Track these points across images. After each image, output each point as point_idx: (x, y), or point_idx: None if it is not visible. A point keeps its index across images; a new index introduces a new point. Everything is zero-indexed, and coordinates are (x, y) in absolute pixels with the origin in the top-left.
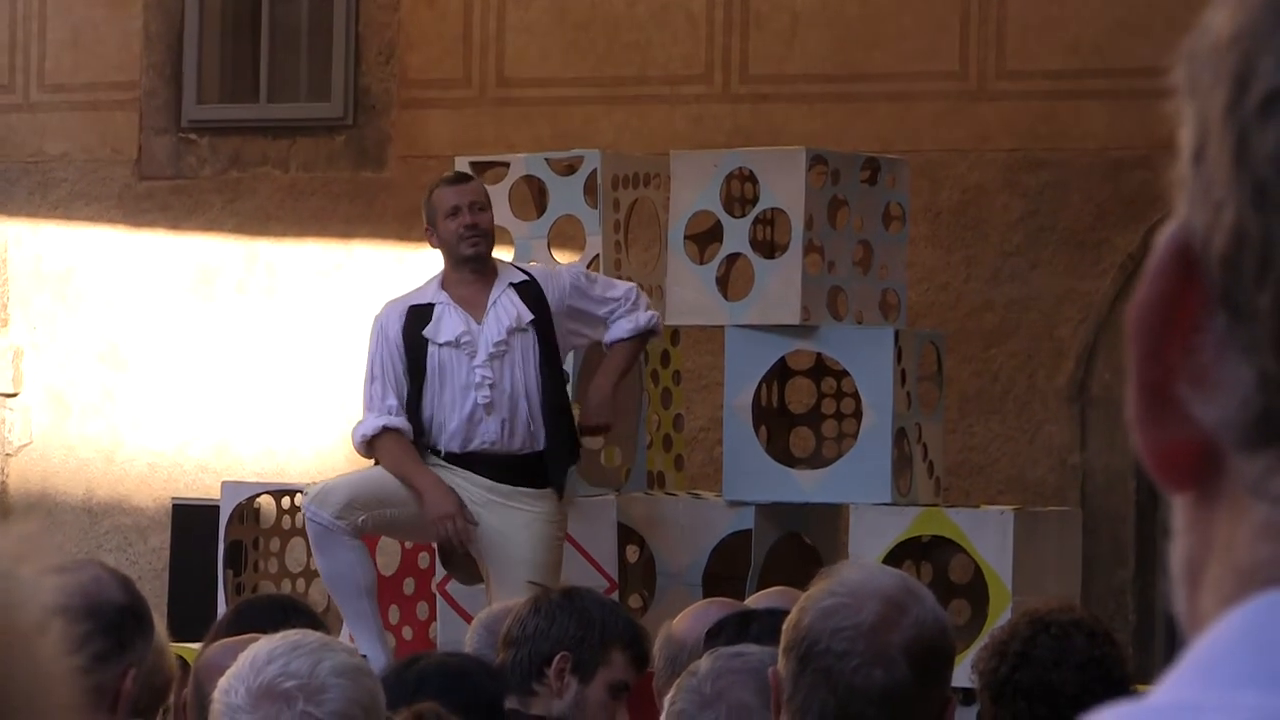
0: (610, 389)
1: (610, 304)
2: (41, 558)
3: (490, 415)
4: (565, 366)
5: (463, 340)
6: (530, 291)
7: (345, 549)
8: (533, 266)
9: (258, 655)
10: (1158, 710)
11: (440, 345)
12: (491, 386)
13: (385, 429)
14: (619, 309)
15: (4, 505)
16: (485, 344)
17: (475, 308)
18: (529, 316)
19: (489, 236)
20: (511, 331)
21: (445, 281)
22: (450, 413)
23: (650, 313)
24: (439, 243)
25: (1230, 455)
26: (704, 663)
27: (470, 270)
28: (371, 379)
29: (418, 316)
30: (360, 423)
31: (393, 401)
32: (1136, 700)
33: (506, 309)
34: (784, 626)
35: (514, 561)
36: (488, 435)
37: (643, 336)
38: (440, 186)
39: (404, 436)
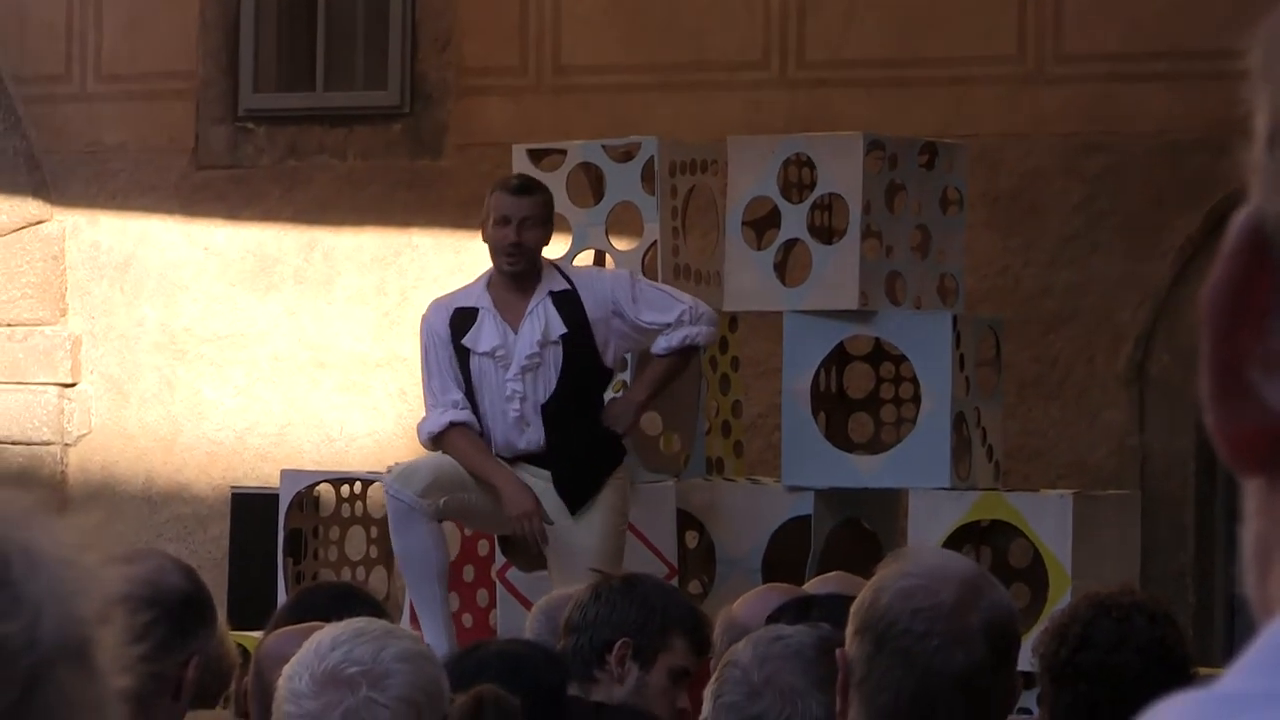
0: (641, 399)
1: (654, 323)
2: (104, 547)
3: (527, 427)
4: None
5: (498, 352)
6: (568, 301)
7: (423, 531)
8: (579, 270)
9: (322, 642)
10: (1227, 698)
11: (480, 354)
12: (522, 400)
13: (452, 424)
14: (666, 327)
15: (64, 495)
16: (519, 357)
17: (514, 315)
18: (560, 330)
19: (532, 255)
20: (543, 345)
21: (491, 282)
22: (494, 421)
23: (689, 330)
24: (486, 240)
25: None
26: (744, 651)
27: (511, 279)
28: (429, 376)
29: (462, 320)
30: (424, 420)
31: (456, 395)
32: (1205, 688)
33: (540, 321)
34: (855, 609)
35: (577, 550)
36: (531, 443)
37: (679, 353)
38: (500, 190)
39: (471, 431)
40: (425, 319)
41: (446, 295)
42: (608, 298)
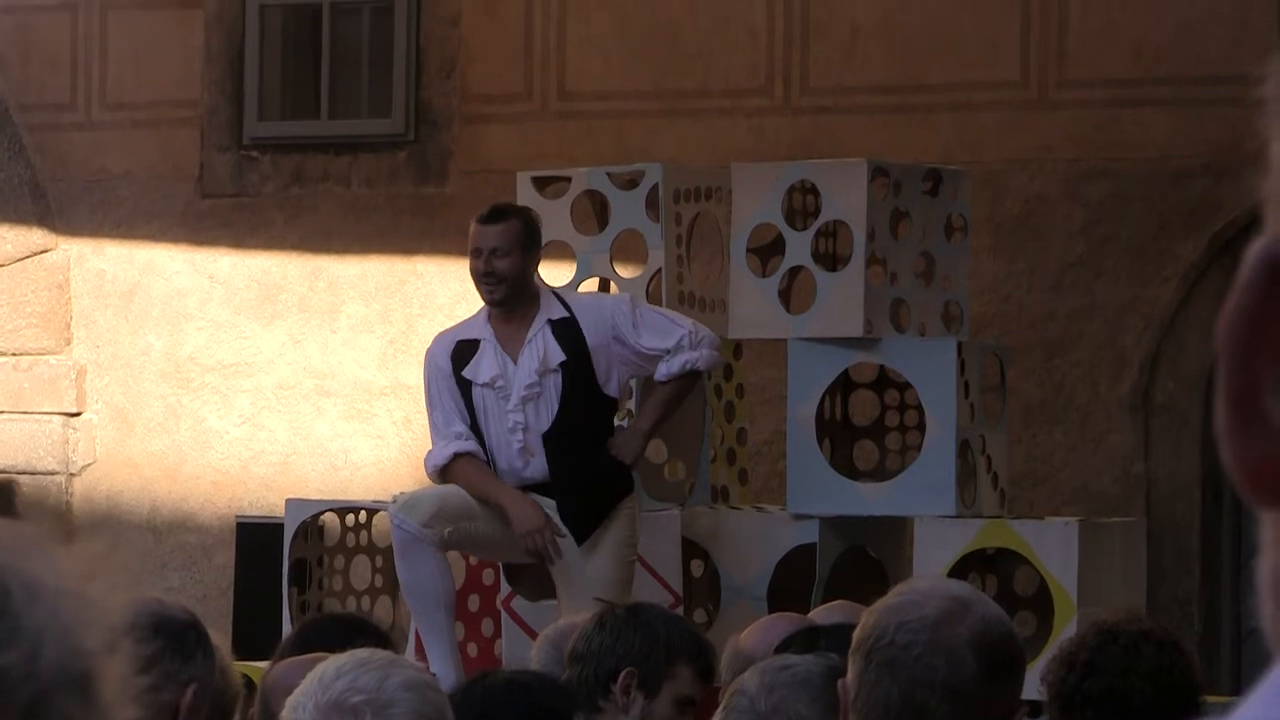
0: (646, 428)
1: (654, 348)
2: (110, 577)
3: (532, 458)
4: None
5: (497, 383)
6: (567, 329)
7: (428, 560)
8: (577, 298)
9: (326, 672)
10: None
11: (480, 386)
12: (525, 430)
13: (456, 455)
14: (666, 353)
15: (69, 524)
16: (518, 387)
17: (514, 345)
18: (559, 358)
19: (508, 282)
20: (542, 374)
21: (492, 314)
22: (499, 452)
23: (689, 355)
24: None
25: None
26: (751, 680)
27: (502, 308)
28: (432, 409)
29: (463, 352)
30: (430, 452)
31: (459, 427)
32: (1220, 717)
33: (539, 350)
34: (855, 635)
35: (586, 579)
36: (536, 472)
37: (681, 379)
38: (474, 221)
39: (476, 459)
40: (429, 352)
41: (450, 328)
42: (608, 323)
